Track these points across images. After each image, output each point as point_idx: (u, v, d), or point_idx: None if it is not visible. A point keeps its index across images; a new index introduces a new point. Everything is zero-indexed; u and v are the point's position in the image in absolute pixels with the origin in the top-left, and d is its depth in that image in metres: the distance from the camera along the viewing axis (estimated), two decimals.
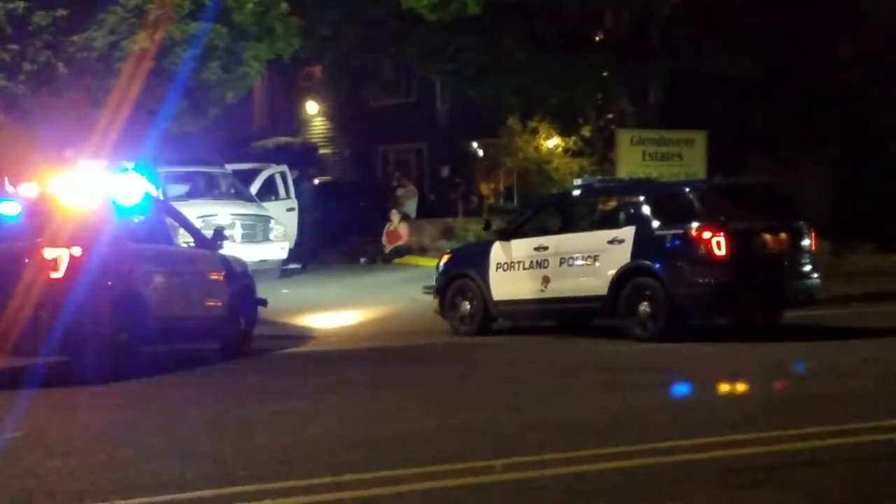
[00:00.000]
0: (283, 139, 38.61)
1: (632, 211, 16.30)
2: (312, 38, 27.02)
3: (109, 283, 13.07)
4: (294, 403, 11.27)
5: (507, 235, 17.30)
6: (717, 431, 8.89)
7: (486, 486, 7.39)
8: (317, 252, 28.76)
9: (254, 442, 9.13)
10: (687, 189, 16.62)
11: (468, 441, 8.90)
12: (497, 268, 16.97)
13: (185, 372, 13.81)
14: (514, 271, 16.80)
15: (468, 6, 24.58)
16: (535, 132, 31.72)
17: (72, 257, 12.63)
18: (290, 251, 25.80)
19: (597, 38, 30.01)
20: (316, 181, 34.89)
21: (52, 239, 12.75)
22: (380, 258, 29.50)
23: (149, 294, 13.69)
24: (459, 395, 11.73)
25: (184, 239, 15.96)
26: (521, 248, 16.84)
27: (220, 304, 15.11)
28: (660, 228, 15.77)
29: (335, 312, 20.01)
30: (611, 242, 15.95)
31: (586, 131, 30.89)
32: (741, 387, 12.01)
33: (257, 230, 24.81)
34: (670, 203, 16.12)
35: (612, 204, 17.26)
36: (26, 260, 12.69)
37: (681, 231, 15.56)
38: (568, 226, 17.00)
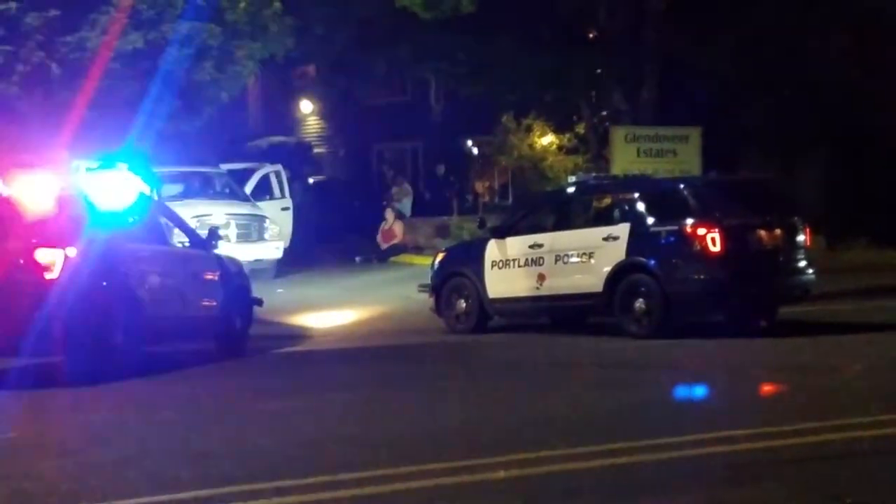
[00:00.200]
0: (277, 138, 38.54)
1: (626, 208, 16.29)
2: (306, 37, 26.99)
3: (104, 283, 13.04)
4: (290, 403, 11.26)
5: (501, 233, 17.28)
6: (713, 427, 8.89)
7: (481, 484, 7.38)
8: (311, 252, 28.73)
9: (250, 441, 9.12)
10: (682, 185, 16.61)
11: (464, 439, 8.90)
12: (492, 266, 16.96)
13: (181, 372, 13.79)
14: (510, 269, 16.80)
15: (462, 4, 24.60)
16: (529, 130, 31.69)
17: (66, 258, 12.60)
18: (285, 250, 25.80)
19: (590, 36, 30.03)
20: (311, 180, 34.84)
21: (48, 239, 12.72)
22: (375, 257, 29.48)
23: (143, 294, 13.67)
24: (455, 394, 11.73)
25: (179, 239, 15.93)
26: (516, 245, 16.83)
27: (215, 303, 15.08)
28: (655, 225, 15.77)
29: (330, 312, 20.00)
30: (606, 239, 15.95)
31: (580, 129, 30.87)
32: (737, 383, 12.00)
33: (252, 230, 24.80)
34: (665, 200, 16.13)
35: (607, 201, 17.24)
36: (20, 260, 12.66)
37: (676, 227, 15.56)
38: (563, 223, 17.00)
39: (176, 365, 14.11)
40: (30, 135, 19.74)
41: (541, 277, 16.44)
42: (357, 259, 29.46)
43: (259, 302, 16.32)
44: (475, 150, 37.15)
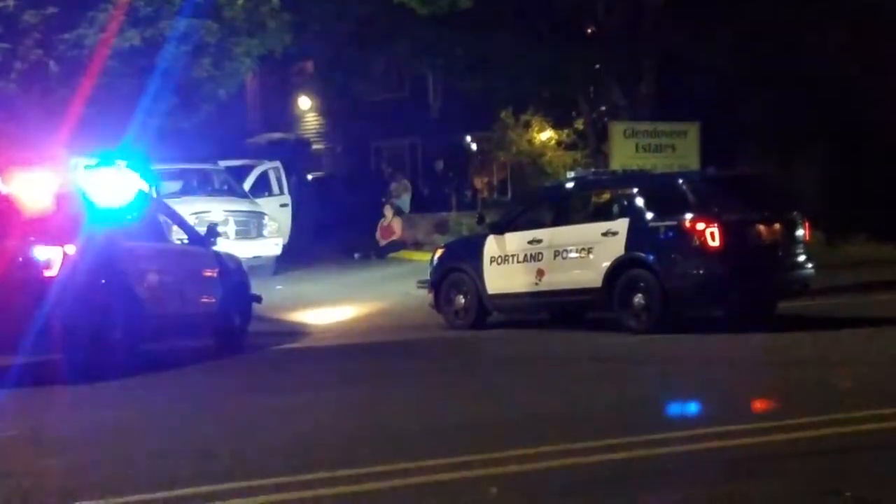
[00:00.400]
0: (276, 135, 38.53)
1: (625, 203, 16.29)
2: (304, 34, 26.96)
3: (103, 280, 13.05)
4: (289, 399, 11.27)
5: (500, 229, 17.29)
6: (712, 422, 8.89)
7: (481, 480, 7.38)
8: (310, 248, 28.71)
9: (249, 438, 9.12)
10: (680, 181, 16.59)
11: (463, 434, 8.89)
12: (491, 261, 16.96)
13: (179, 369, 13.79)
14: (509, 265, 16.80)
15: (460, 0, 24.55)
16: (528, 125, 31.69)
17: (65, 255, 12.60)
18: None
19: (589, 31, 30.00)
20: (309, 177, 34.80)
21: (47, 237, 12.72)
22: (374, 253, 29.47)
23: (142, 291, 13.67)
24: (454, 389, 11.73)
25: (177, 236, 15.93)
26: (515, 241, 16.83)
27: (213, 300, 15.09)
28: (653, 220, 15.77)
29: (329, 308, 20.00)
30: (605, 235, 15.95)
31: (579, 124, 30.87)
32: (736, 378, 12.00)
33: (251, 226, 24.79)
34: (664, 195, 16.12)
35: (606, 196, 17.25)
36: (19, 258, 12.66)
37: (674, 223, 15.56)
38: (562, 218, 17.00)
39: (175, 362, 14.11)
40: (28, 132, 19.72)
41: (540, 273, 16.44)
42: (356, 255, 29.44)
43: (258, 299, 16.33)
44: (474, 146, 37.13)
